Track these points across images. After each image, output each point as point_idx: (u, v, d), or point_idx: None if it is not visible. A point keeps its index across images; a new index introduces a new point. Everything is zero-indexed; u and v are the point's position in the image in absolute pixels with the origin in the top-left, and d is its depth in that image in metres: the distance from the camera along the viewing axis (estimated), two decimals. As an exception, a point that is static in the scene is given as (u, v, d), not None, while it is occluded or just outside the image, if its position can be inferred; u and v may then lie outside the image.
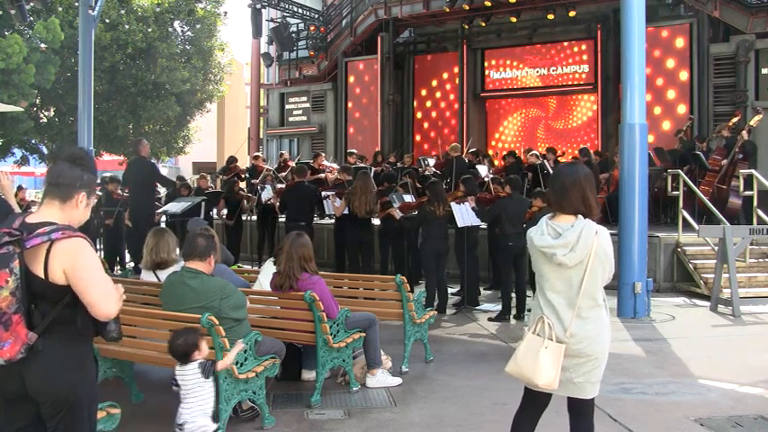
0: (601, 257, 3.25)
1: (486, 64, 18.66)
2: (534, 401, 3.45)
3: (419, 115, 19.39)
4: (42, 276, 2.65)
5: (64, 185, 2.78)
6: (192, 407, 3.94)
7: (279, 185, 12.00)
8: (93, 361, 2.90)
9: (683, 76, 14.80)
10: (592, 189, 3.36)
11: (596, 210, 3.35)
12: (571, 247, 3.21)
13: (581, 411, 3.38)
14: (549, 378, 3.22)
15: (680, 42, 14.87)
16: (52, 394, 2.72)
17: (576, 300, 3.24)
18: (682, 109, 14.79)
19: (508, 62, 18.35)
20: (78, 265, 2.67)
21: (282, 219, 11.65)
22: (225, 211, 12.31)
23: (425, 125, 19.30)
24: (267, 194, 11.60)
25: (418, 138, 19.33)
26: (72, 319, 2.73)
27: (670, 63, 14.93)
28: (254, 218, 12.44)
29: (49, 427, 2.76)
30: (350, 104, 19.38)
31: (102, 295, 2.71)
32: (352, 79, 19.39)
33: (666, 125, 14.91)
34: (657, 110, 14.90)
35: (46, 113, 20.29)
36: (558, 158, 12.88)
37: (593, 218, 3.32)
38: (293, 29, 20.34)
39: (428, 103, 19.23)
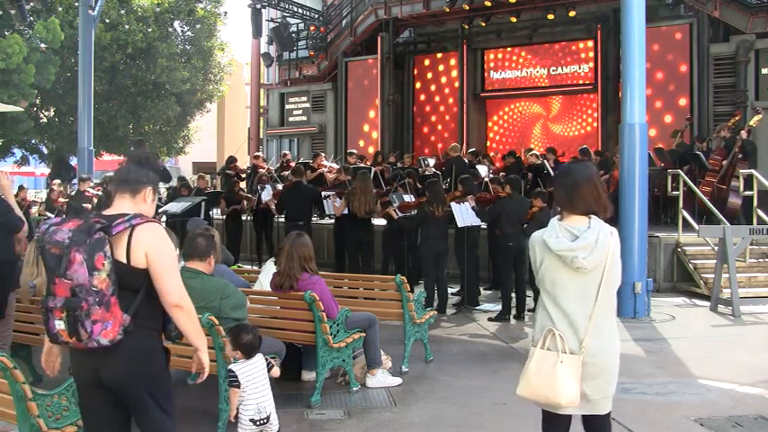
0: (617, 260, 3.08)
1: (486, 64, 18.65)
2: (559, 422, 3.18)
3: (419, 115, 19.39)
4: (125, 261, 2.81)
5: (132, 181, 3.00)
6: (268, 397, 4.02)
7: (277, 186, 11.98)
8: (163, 351, 3.01)
9: (683, 76, 14.80)
10: (603, 187, 3.19)
11: (609, 208, 3.15)
12: (591, 250, 3.01)
13: (600, 428, 3.17)
14: (572, 394, 2.98)
15: (680, 42, 14.87)
16: (125, 382, 2.85)
17: (593, 308, 3.03)
18: (682, 103, 14.80)
19: (508, 62, 18.35)
20: (159, 249, 2.85)
21: (281, 219, 11.65)
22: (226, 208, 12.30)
23: (425, 125, 19.29)
24: (267, 195, 11.60)
25: (418, 137, 19.32)
26: (148, 311, 2.87)
27: (669, 63, 14.93)
28: (251, 218, 12.41)
29: (132, 413, 2.92)
30: (350, 104, 19.38)
31: (175, 284, 2.87)
32: (351, 79, 19.38)
33: (668, 120, 14.91)
34: (659, 103, 14.90)
35: (46, 113, 20.30)
36: (559, 158, 12.86)
37: (605, 217, 3.13)
38: (293, 29, 20.33)
39: (428, 103, 19.22)
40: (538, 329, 3.17)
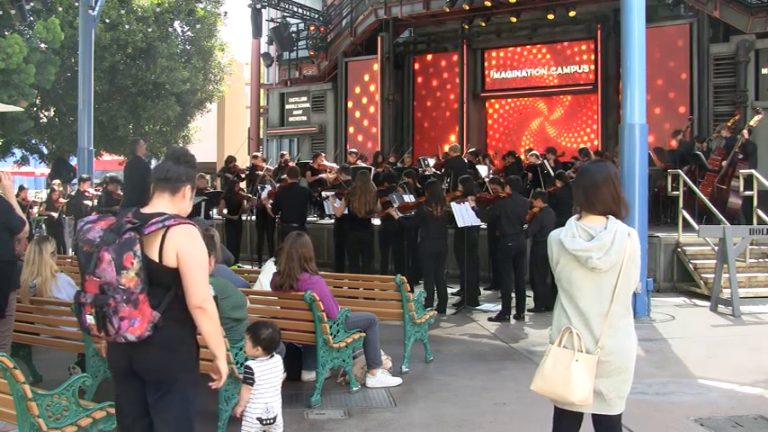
0: (634, 261, 3.08)
1: (486, 64, 18.65)
2: (570, 420, 3.21)
3: (419, 115, 19.37)
4: (157, 260, 2.88)
5: (173, 180, 3.03)
6: (277, 398, 4.00)
7: (276, 185, 11.95)
8: (195, 346, 3.07)
9: (683, 76, 14.80)
10: (620, 187, 3.18)
11: (627, 209, 3.16)
12: (606, 250, 3.00)
13: (610, 429, 3.18)
14: (585, 393, 3.01)
15: (680, 42, 14.87)
16: (155, 373, 2.95)
17: (609, 308, 3.05)
18: (681, 109, 14.79)
19: (508, 62, 18.34)
20: (188, 251, 2.91)
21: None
22: (225, 211, 12.30)
23: (425, 125, 19.28)
24: (264, 195, 11.58)
25: (418, 138, 19.31)
26: (180, 306, 2.94)
27: (670, 64, 14.92)
28: (254, 218, 12.42)
29: (150, 402, 2.98)
30: (350, 104, 19.39)
31: (200, 286, 2.92)
32: (351, 79, 19.38)
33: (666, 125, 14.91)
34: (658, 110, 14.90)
35: (46, 113, 20.28)
36: (558, 158, 12.87)
37: (623, 218, 3.12)
38: (293, 29, 20.32)
39: (428, 103, 19.22)
40: (555, 327, 3.18)
